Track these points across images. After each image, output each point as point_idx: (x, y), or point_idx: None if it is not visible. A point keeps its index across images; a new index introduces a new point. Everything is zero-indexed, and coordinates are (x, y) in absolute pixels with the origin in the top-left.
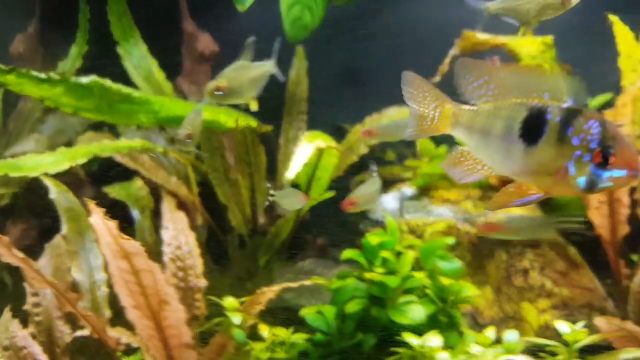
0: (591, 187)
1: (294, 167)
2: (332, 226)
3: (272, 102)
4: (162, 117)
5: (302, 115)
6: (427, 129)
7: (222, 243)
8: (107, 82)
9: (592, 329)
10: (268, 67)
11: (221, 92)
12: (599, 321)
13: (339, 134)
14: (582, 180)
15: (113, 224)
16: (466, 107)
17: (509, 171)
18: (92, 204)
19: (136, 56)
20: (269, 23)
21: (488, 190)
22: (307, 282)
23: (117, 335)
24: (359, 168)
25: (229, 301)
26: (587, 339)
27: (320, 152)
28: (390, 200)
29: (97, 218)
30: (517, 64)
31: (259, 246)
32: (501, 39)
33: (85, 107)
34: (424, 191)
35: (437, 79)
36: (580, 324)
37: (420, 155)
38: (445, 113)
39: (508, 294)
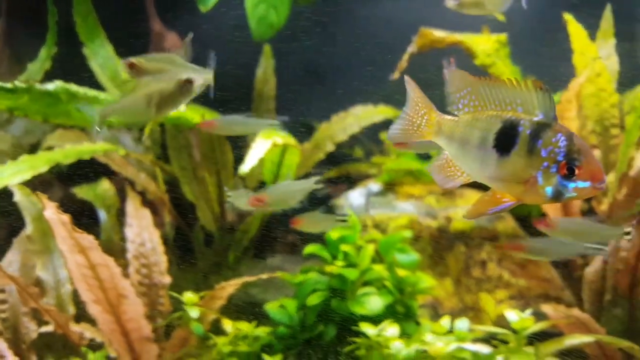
0: (557, 196)
1: (249, 161)
2: None
3: (240, 100)
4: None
5: (270, 113)
6: (413, 134)
7: (190, 240)
8: (73, 87)
9: (544, 317)
10: (203, 74)
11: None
12: (547, 309)
13: (307, 131)
14: (549, 190)
15: (67, 218)
16: (448, 117)
17: (484, 179)
18: (44, 198)
19: (102, 56)
20: (237, 22)
21: None
22: (264, 276)
23: (80, 330)
24: (327, 164)
25: (188, 296)
26: (535, 327)
27: (283, 151)
28: (356, 196)
29: (51, 212)
30: (497, 78)
31: (228, 243)
32: (457, 37)
33: (54, 113)
34: (390, 187)
35: (396, 75)
36: (527, 312)
37: (387, 152)
38: (431, 121)
39: (467, 285)
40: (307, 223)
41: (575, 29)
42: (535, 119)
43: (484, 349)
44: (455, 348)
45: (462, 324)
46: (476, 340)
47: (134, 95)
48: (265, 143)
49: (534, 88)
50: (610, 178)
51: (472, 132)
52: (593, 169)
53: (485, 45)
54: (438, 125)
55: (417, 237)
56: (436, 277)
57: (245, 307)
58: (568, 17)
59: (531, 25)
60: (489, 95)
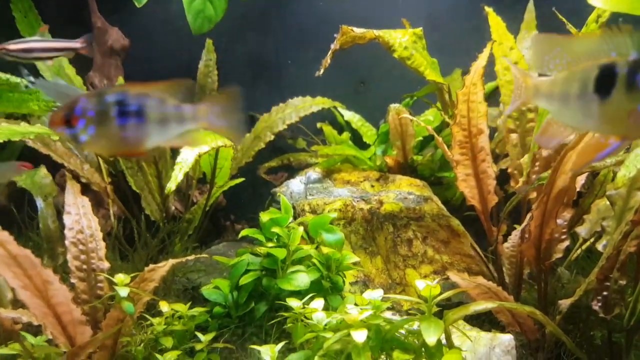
0: None
1: (175, 177)
2: (247, 211)
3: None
4: (53, 106)
5: None
6: (517, 100)
7: (136, 230)
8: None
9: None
10: None
11: None
12: (455, 278)
13: (251, 122)
14: None
15: None
16: (544, 78)
17: (589, 127)
18: None
19: None
20: (177, 15)
21: (386, 172)
22: (190, 257)
23: (16, 315)
24: (268, 153)
25: (119, 277)
26: (444, 294)
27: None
28: (297, 184)
29: None
30: (585, 33)
31: (173, 232)
32: (376, 33)
33: None
34: (328, 174)
35: (321, 72)
36: (435, 281)
37: (327, 141)
38: (527, 85)
39: (395, 262)
40: None
41: (494, 20)
42: (630, 58)
43: (395, 316)
44: (368, 315)
45: (375, 293)
46: (408, 312)
47: None
48: (191, 155)
49: (626, 31)
50: (525, 159)
51: (571, 85)
52: None
53: (402, 38)
54: (535, 88)
55: (351, 220)
56: (368, 255)
57: (186, 292)
58: (488, 10)
59: (458, 18)
60: (581, 50)
